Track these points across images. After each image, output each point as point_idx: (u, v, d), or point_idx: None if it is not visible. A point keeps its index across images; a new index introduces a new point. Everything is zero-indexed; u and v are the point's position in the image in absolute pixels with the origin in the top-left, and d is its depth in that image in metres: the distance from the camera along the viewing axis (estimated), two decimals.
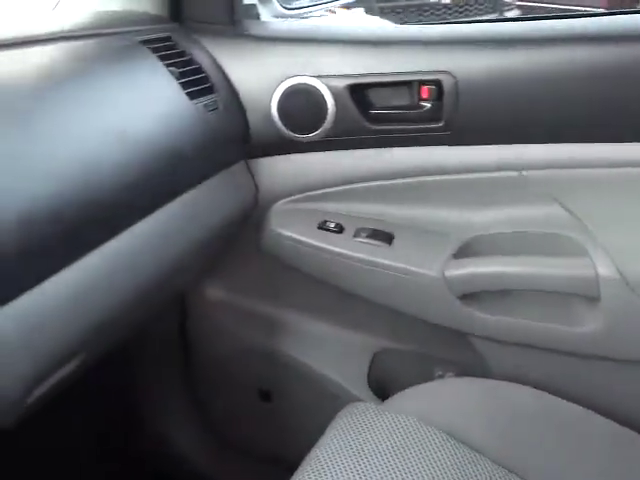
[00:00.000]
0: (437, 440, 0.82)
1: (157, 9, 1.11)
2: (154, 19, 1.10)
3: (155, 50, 0.96)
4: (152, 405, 1.34)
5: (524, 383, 0.97)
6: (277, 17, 1.23)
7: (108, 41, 0.95)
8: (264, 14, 1.21)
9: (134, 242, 0.82)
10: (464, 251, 1.02)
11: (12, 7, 1.07)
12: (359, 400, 1.12)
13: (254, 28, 1.13)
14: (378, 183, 1.07)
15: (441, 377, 1.14)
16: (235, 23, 1.11)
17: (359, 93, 1.02)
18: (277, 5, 1.23)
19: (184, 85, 0.96)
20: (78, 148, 0.75)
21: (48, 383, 0.72)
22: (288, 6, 1.27)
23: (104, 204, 0.76)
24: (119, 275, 0.80)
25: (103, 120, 0.81)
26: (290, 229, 1.09)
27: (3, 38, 0.83)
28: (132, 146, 0.83)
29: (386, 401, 0.94)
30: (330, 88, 1.02)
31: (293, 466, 0.81)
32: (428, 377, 1.13)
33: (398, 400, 0.93)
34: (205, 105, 0.98)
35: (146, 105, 0.89)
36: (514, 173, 1.02)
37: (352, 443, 0.80)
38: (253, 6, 1.19)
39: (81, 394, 1.14)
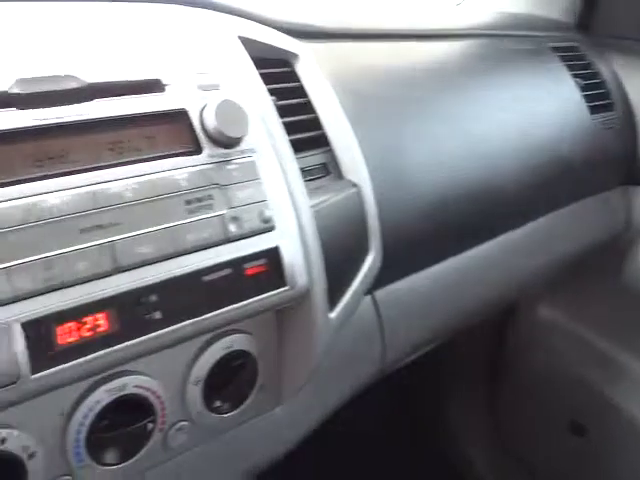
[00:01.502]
0: None
1: (564, 17, 1.08)
2: (560, 26, 1.07)
3: (563, 58, 0.95)
4: (451, 411, 1.34)
5: None
6: None
7: (517, 42, 0.95)
8: None
9: (504, 247, 0.81)
10: None
11: (418, 1, 1.13)
12: None
13: None
14: None
15: None
16: None
17: None
18: None
19: (587, 98, 0.92)
20: (485, 141, 0.76)
21: (409, 358, 0.76)
22: None
23: (499, 202, 0.76)
24: (484, 273, 0.80)
25: (508, 117, 0.81)
26: None
27: (414, 29, 0.87)
28: (530, 148, 0.82)
29: None
30: None
31: None
32: None
33: None
34: (603, 122, 0.93)
35: (548, 110, 0.88)
36: None
37: None
38: None
39: (400, 392, 1.18)
